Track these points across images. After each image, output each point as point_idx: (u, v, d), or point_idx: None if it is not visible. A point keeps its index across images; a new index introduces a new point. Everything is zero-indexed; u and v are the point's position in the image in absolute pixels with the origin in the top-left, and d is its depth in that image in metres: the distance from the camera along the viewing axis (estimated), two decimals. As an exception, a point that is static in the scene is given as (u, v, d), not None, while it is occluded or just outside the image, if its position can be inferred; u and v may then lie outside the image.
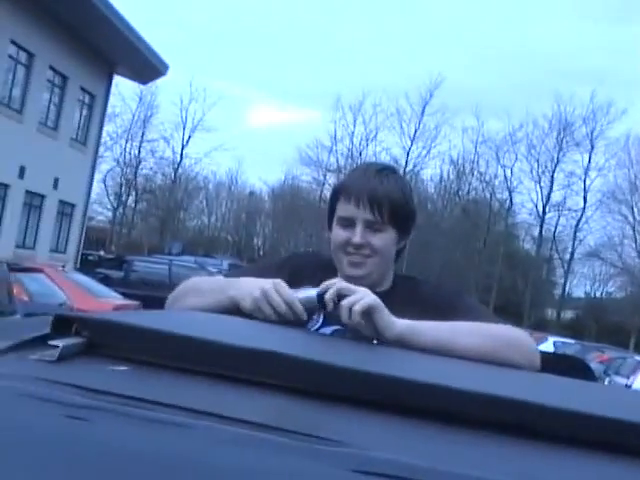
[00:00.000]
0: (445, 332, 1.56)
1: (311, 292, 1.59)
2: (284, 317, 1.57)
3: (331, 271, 1.82)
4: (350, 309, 1.52)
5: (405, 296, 1.73)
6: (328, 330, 1.70)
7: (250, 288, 1.62)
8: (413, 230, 1.91)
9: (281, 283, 1.61)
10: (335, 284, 1.57)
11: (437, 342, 1.53)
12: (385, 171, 1.85)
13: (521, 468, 0.77)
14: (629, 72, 72.04)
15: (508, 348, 1.57)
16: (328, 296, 1.55)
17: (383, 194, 1.77)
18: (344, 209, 1.79)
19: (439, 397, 0.88)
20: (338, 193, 1.83)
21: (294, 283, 1.65)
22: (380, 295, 1.59)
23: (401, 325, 1.54)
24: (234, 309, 1.62)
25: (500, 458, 0.80)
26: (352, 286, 1.58)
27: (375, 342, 1.55)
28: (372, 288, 1.66)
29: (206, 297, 1.71)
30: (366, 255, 1.77)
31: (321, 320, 1.71)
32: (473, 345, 1.54)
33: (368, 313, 1.51)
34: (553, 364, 2.67)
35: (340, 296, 1.55)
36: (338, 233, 1.80)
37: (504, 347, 1.57)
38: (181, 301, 1.77)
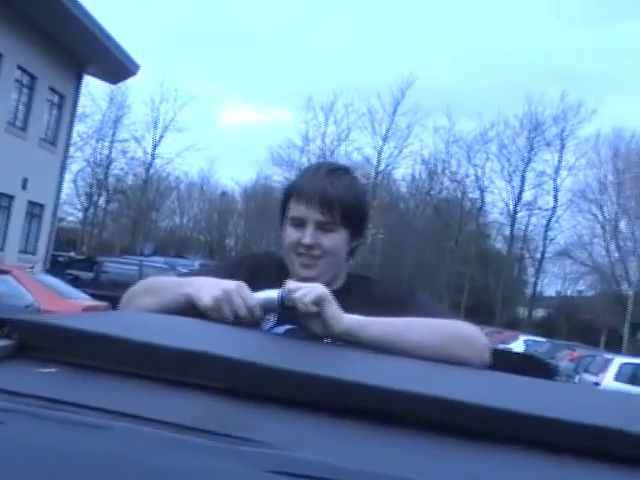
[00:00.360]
0: (394, 327, 1.55)
1: (271, 294, 1.58)
2: (241, 320, 1.56)
3: (284, 275, 1.81)
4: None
5: (358, 294, 1.73)
6: (281, 329, 1.69)
7: (209, 287, 1.60)
8: (366, 230, 1.91)
9: (243, 286, 1.60)
10: (288, 285, 1.57)
11: (385, 337, 1.53)
12: (337, 171, 1.84)
13: (449, 468, 0.76)
14: (599, 73, 72.81)
15: (458, 343, 1.57)
16: (287, 296, 1.56)
17: (334, 195, 1.76)
18: (295, 209, 1.79)
19: (369, 397, 0.87)
20: (290, 193, 1.82)
21: (251, 283, 1.63)
22: (333, 293, 1.58)
23: (350, 319, 1.54)
24: (189, 308, 1.60)
25: (429, 459, 0.79)
26: (306, 283, 1.59)
27: (326, 341, 1.55)
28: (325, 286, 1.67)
29: (161, 296, 1.69)
30: (317, 256, 1.77)
31: (275, 319, 1.70)
32: (422, 340, 1.54)
33: (318, 304, 1.52)
34: (514, 363, 2.68)
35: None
36: (289, 233, 1.80)
37: (454, 342, 1.56)
38: (135, 300, 1.74)
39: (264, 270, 1.82)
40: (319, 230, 1.76)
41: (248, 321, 1.57)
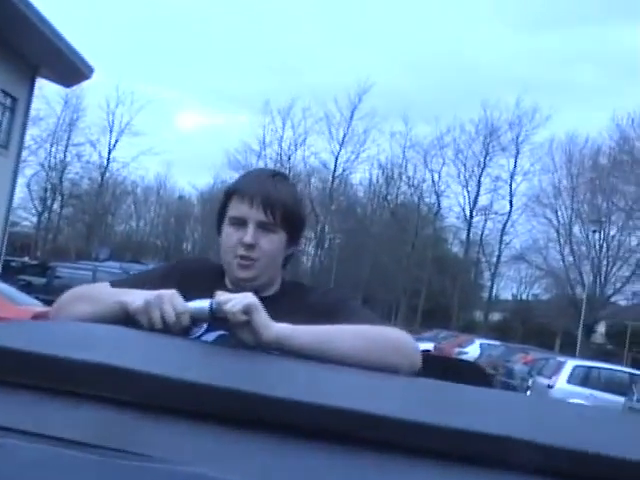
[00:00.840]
0: (324, 335, 1.54)
1: (203, 304, 1.57)
2: (170, 327, 1.54)
3: (220, 278, 1.83)
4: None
5: (292, 302, 1.72)
6: (212, 336, 1.67)
7: (144, 294, 1.58)
8: (302, 238, 1.93)
9: (176, 294, 1.58)
10: (218, 295, 1.56)
11: (315, 345, 1.52)
12: (278, 176, 1.87)
13: (345, 477, 0.76)
14: (553, 79, 73.75)
15: (388, 350, 1.56)
16: (216, 305, 1.54)
17: (276, 196, 1.78)
18: (237, 209, 1.79)
19: (275, 409, 0.85)
20: (231, 193, 1.82)
21: (183, 290, 1.61)
22: (267, 300, 1.58)
23: (279, 328, 1.52)
24: (122, 317, 1.58)
25: (329, 469, 0.78)
26: (236, 294, 1.56)
27: (255, 348, 1.53)
28: (260, 292, 1.67)
29: (95, 304, 1.66)
30: (255, 258, 1.77)
31: (205, 326, 1.67)
32: (351, 348, 1.53)
33: (247, 313, 1.50)
34: (453, 368, 2.69)
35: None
36: (229, 234, 1.79)
37: (383, 349, 1.56)
38: (66, 309, 1.71)
39: (198, 276, 1.80)
40: (259, 230, 1.77)
41: (176, 329, 1.55)
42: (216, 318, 1.56)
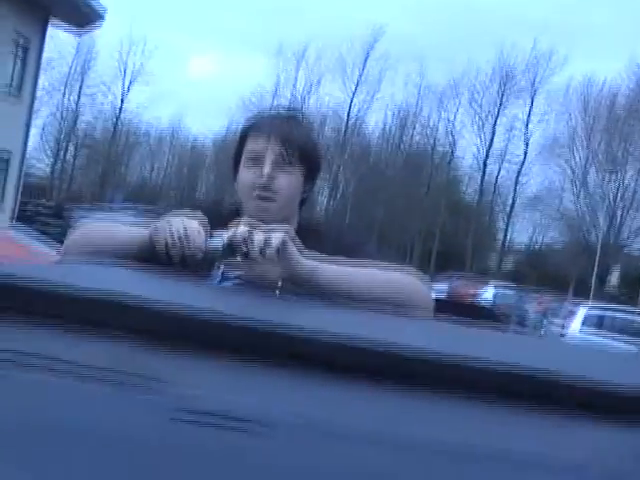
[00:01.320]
0: (346, 274, 1.57)
1: (220, 240, 1.55)
2: (178, 246, 1.54)
3: (233, 217, 1.79)
4: (262, 247, 1.49)
5: (309, 239, 1.68)
6: (228, 284, 1.65)
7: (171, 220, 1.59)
8: (318, 177, 1.90)
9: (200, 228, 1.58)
10: (237, 232, 1.53)
11: (337, 283, 1.55)
12: (294, 114, 1.86)
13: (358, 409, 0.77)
14: (569, 22, 72.61)
15: (404, 293, 1.60)
16: (239, 234, 1.50)
17: (295, 131, 1.77)
18: (254, 144, 1.76)
19: (289, 343, 0.85)
20: (247, 131, 1.80)
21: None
22: None
23: (311, 263, 1.54)
24: (144, 248, 1.58)
25: (338, 400, 0.79)
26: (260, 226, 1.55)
27: (277, 293, 1.53)
28: None
29: (115, 237, 1.66)
30: (273, 198, 1.74)
31: (220, 275, 1.65)
32: (370, 289, 1.56)
33: (280, 248, 1.49)
34: (467, 312, 2.72)
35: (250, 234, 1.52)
36: (245, 174, 1.77)
37: (398, 294, 1.59)
38: (83, 242, 1.71)
39: (215, 218, 1.73)
40: (277, 166, 1.74)
41: (184, 247, 1.54)
42: (235, 251, 1.52)
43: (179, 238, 1.54)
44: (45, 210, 27.32)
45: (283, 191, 1.74)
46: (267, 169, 1.72)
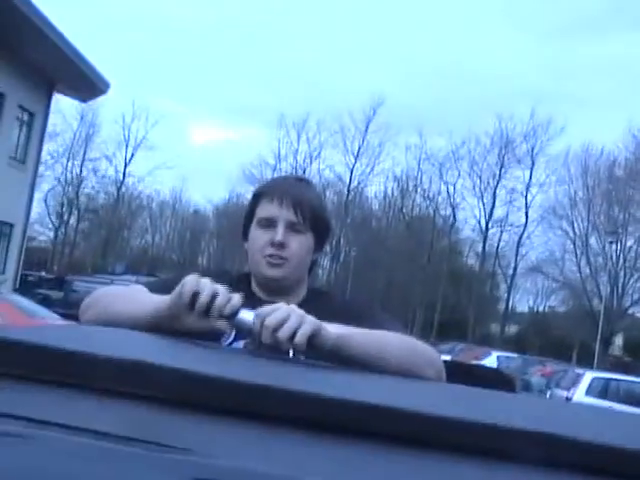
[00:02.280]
0: (373, 340, 1.53)
1: (247, 316, 1.46)
2: (217, 316, 1.46)
3: (247, 284, 1.82)
4: (292, 337, 1.40)
5: (319, 308, 1.64)
6: (241, 344, 1.65)
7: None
8: (326, 244, 1.92)
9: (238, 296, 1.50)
10: (265, 320, 1.42)
11: (366, 350, 1.50)
12: (304, 180, 1.92)
13: (378, 474, 0.75)
14: (566, 90, 73.54)
15: (420, 360, 1.57)
16: (265, 335, 1.40)
17: (305, 198, 1.81)
18: (266, 209, 1.79)
19: (309, 406, 0.85)
20: (259, 196, 1.83)
21: None
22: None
23: (334, 336, 1.47)
24: (165, 318, 1.51)
25: (356, 465, 0.78)
26: (279, 309, 1.44)
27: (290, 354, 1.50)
28: (288, 297, 1.67)
29: (135, 303, 1.61)
30: (285, 257, 1.77)
31: (233, 334, 1.65)
32: (393, 356, 1.53)
33: (311, 338, 1.41)
34: (480, 377, 2.69)
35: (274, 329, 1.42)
36: (258, 235, 1.79)
37: (417, 359, 1.57)
38: (101, 307, 1.67)
39: (226, 283, 1.75)
40: (289, 230, 1.77)
41: (223, 314, 1.46)
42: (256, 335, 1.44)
43: (213, 295, 1.46)
44: (46, 282, 27.34)
45: (295, 255, 1.78)
46: (280, 233, 1.75)
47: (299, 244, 1.78)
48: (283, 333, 1.39)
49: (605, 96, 75.60)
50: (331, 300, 1.82)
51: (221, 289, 1.48)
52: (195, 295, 1.46)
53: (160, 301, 1.55)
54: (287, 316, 1.41)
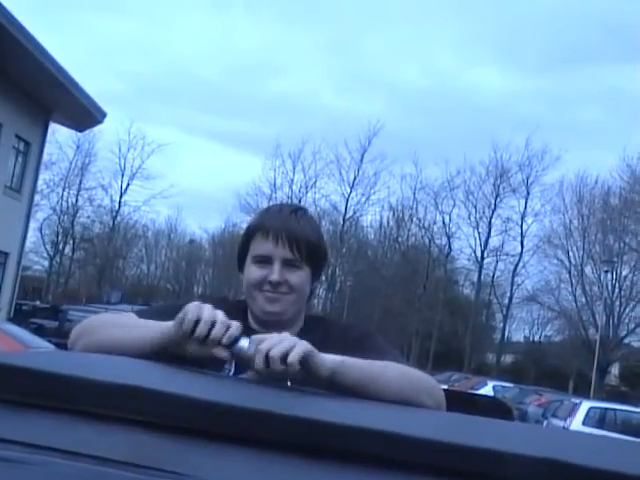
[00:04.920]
0: (371, 370, 1.52)
1: (241, 343, 1.47)
2: (217, 344, 1.45)
3: (243, 315, 1.80)
4: (284, 359, 1.40)
5: (317, 336, 1.65)
6: (243, 376, 1.63)
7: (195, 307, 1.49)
8: (323, 273, 1.92)
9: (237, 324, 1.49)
10: (257, 348, 1.43)
11: (363, 379, 1.49)
12: (299, 211, 1.86)
13: None
14: (561, 120, 73.97)
15: (421, 389, 1.57)
16: (257, 362, 1.41)
17: (301, 233, 1.78)
18: (261, 247, 1.77)
19: (308, 432, 0.85)
20: (254, 231, 1.80)
21: None
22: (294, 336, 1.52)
23: (331, 364, 1.46)
24: (156, 348, 1.50)
25: None
26: (273, 337, 1.45)
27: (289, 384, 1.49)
28: (286, 329, 1.63)
29: (129, 332, 1.59)
30: (283, 292, 1.75)
31: (233, 368, 1.63)
32: (393, 386, 1.52)
33: (303, 363, 1.42)
34: (479, 405, 2.68)
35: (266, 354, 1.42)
36: (253, 271, 1.77)
37: (418, 388, 1.56)
38: (92, 334, 1.63)
39: (225, 311, 1.75)
40: (285, 267, 1.75)
41: (217, 338, 1.45)
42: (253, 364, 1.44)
43: (212, 323, 1.46)
44: (40, 311, 27.25)
45: (293, 290, 1.76)
46: (277, 272, 1.74)
47: (297, 279, 1.77)
48: (274, 353, 1.39)
49: (599, 126, 76.09)
50: (329, 326, 1.81)
51: (220, 317, 1.47)
52: (197, 322, 1.46)
53: (160, 328, 1.53)
54: (280, 341, 1.42)
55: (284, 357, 1.39)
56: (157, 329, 1.54)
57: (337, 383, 1.46)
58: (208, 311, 1.47)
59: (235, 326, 1.47)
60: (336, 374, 1.47)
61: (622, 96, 75.73)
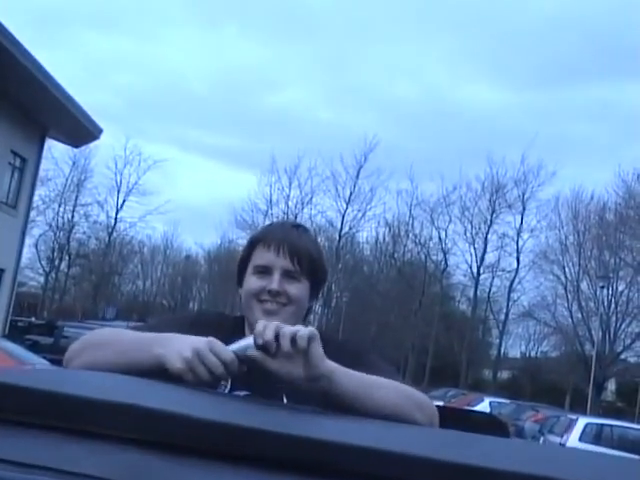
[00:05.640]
0: (365, 383, 1.53)
1: (244, 342, 1.48)
2: (220, 378, 1.49)
3: (241, 328, 1.80)
4: (293, 339, 1.45)
5: None
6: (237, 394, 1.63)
7: (179, 347, 1.48)
8: (322, 290, 1.93)
9: (215, 341, 1.49)
10: (267, 325, 1.47)
11: (358, 391, 1.50)
12: (301, 228, 1.91)
13: None
14: (556, 135, 74.15)
15: (414, 407, 1.57)
16: (268, 334, 1.44)
17: (302, 246, 1.80)
18: (262, 257, 1.79)
19: (304, 451, 0.85)
20: (255, 242, 1.83)
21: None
22: None
23: (330, 364, 1.50)
24: (158, 370, 1.48)
25: None
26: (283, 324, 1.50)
27: (285, 402, 1.50)
28: None
29: (124, 354, 1.57)
30: (282, 303, 1.76)
31: (229, 386, 1.63)
32: (387, 401, 1.52)
33: (311, 341, 1.46)
34: (474, 422, 2.67)
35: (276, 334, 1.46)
36: (253, 281, 1.78)
37: (411, 405, 1.56)
38: (85, 355, 1.62)
39: (219, 326, 1.75)
40: (285, 278, 1.77)
41: (226, 378, 1.51)
42: (266, 350, 1.46)
43: (215, 375, 1.46)
44: (35, 327, 27.18)
45: (292, 302, 1.77)
46: (276, 281, 1.75)
47: (296, 290, 1.78)
48: (284, 331, 1.45)
49: (593, 141, 76.22)
50: (325, 342, 1.79)
51: (204, 349, 1.46)
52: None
53: (155, 358, 1.51)
54: (286, 325, 1.48)
55: (293, 337, 1.44)
56: (150, 356, 1.52)
57: (332, 390, 1.47)
58: (202, 368, 1.45)
59: (220, 370, 1.45)
60: (332, 376, 1.48)
61: (614, 111, 76.11)
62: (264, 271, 1.78)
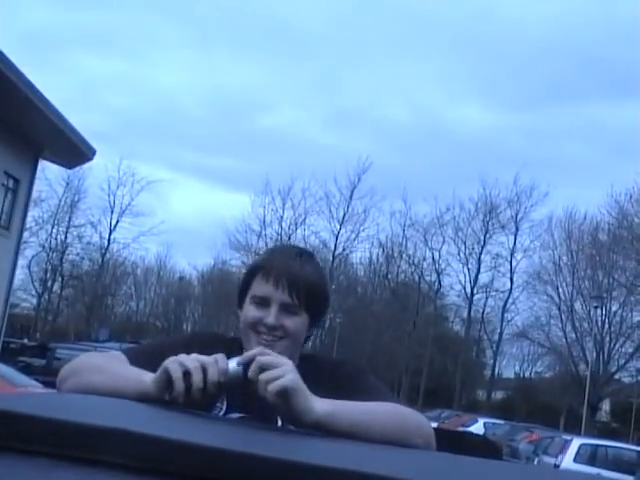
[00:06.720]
0: (360, 416, 1.50)
1: (232, 363, 1.47)
2: (214, 390, 1.44)
3: (236, 350, 1.76)
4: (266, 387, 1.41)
5: (309, 375, 1.62)
6: (232, 417, 1.62)
7: (176, 358, 1.47)
8: (323, 319, 1.91)
9: (217, 355, 1.48)
10: (257, 355, 1.46)
11: (352, 428, 1.47)
12: (304, 255, 1.85)
13: None
14: (549, 156, 74.46)
15: (412, 431, 1.55)
16: (252, 370, 1.42)
17: (302, 278, 1.76)
18: (260, 288, 1.76)
19: (292, 475, 0.85)
20: (255, 271, 1.79)
21: None
22: None
23: (319, 411, 1.44)
24: (144, 396, 1.46)
25: None
26: (275, 358, 1.47)
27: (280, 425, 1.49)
28: None
29: (117, 376, 1.55)
30: (278, 337, 1.73)
31: (225, 407, 1.63)
32: (383, 428, 1.51)
33: (284, 395, 1.40)
34: (468, 444, 2.66)
35: (262, 369, 1.43)
36: (251, 311, 1.76)
37: (408, 430, 1.55)
38: (78, 378, 1.61)
39: (216, 348, 1.68)
40: (283, 311, 1.74)
41: (213, 393, 1.46)
42: (248, 380, 1.44)
43: (198, 367, 1.43)
44: (28, 349, 27.07)
45: (289, 333, 1.74)
46: (273, 316, 1.72)
47: (293, 324, 1.75)
48: (262, 377, 1.41)
49: (586, 162, 76.41)
50: (320, 364, 1.79)
51: (193, 365, 1.44)
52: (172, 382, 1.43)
53: (142, 381, 1.50)
54: (277, 364, 1.44)
55: (264, 368, 1.42)
56: (136, 384, 1.50)
57: (328, 428, 1.44)
58: (181, 366, 1.43)
59: (212, 386, 1.44)
60: (328, 419, 1.45)
61: (607, 132, 76.42)
62: (262, 302, 1.75)
